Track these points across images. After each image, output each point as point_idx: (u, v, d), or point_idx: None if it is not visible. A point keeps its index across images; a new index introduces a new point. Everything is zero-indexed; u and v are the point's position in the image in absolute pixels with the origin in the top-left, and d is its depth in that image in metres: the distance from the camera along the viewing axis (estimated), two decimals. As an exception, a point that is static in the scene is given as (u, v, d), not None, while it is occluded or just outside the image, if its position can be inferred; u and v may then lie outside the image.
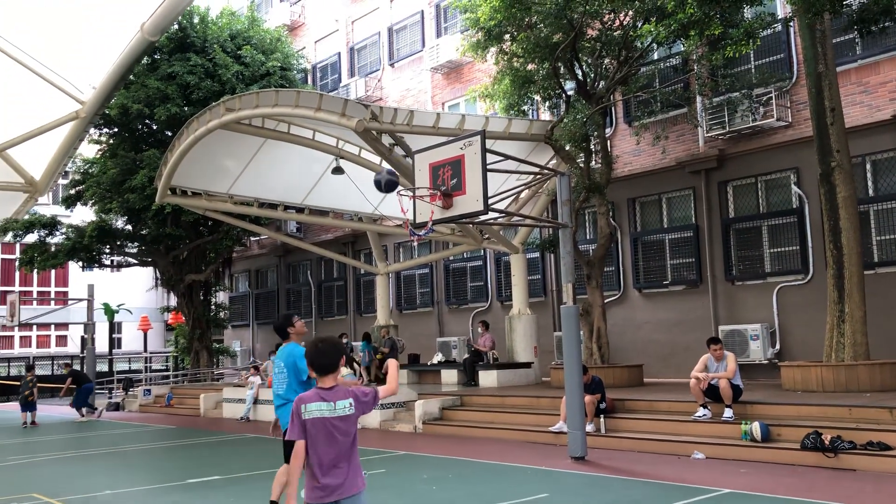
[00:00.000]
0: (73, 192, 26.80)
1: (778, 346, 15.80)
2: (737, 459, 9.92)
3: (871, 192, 14.92)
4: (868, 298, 12.64)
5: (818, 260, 15.17)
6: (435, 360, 20.11)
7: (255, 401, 19.31)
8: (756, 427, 10.14)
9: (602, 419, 12.11)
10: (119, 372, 34.46)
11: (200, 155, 17.55)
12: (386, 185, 6.40)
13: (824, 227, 13.01)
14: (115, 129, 25.62)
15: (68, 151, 20.40)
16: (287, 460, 6.39)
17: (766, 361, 15.60)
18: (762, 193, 16.53)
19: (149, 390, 25.27)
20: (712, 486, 8.28)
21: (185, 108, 23.27)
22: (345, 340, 19.54)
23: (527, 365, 17.79)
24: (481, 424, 13.88)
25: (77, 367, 31.55)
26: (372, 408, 4.30)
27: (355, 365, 19.51)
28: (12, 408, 27.79)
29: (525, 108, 16.43)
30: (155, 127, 25.43)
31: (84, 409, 22.03)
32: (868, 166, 14.96)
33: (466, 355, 18.85)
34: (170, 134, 23.88)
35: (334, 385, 4.24)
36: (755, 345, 15.71)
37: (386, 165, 5.39)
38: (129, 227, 26.69)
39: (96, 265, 27.95)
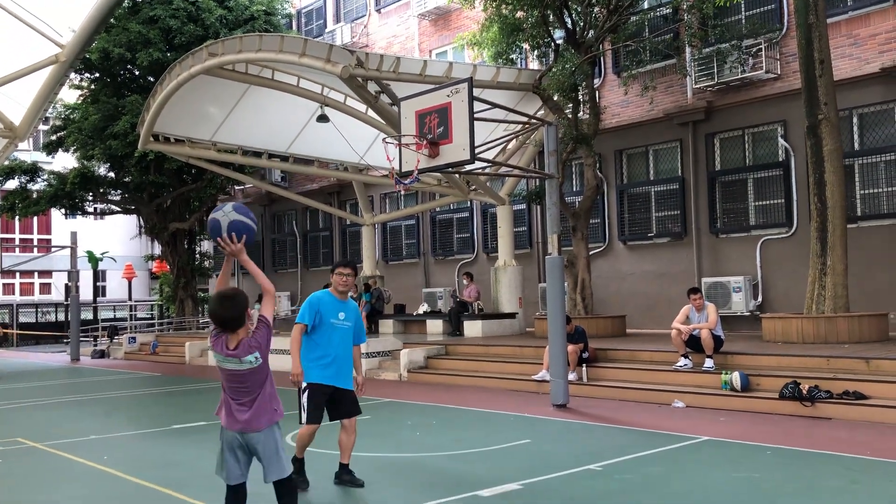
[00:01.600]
0: (54, 138, 26.39)
1: (760, 299, 15.97)
2: (716, 408, 10.08)
3: (856, 145, 14.94)
4: (850, 252, 12.75)
5: (802, 213, 15.25)
6: (420, 311, 20.20)
7: (241, 349, 19.35)
8: (736, 377, 10.29)
9: (584, 368, 12.25)
10: (104, 320, 34.41)
11: (183, 101, 17.30)
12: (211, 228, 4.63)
13: (809, 181, 13.05)
14: (97, 75, 25.15)
15: (48, 96, 20.08)
16: (306, 421, 6.45)
17: (748, 313, 15.77)
18: (749, 146, 16.52)
19: (134, 338, 25.29)
20: (691, 434, 8.43)
21: (168, 54, 22.84)
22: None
23: (511, 315, 17.91)
24: (466, 373, 14.02)
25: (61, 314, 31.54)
26: (270, 335, 4.40)
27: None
28: (-3, 355, 27.84)
29: (513, 56, 16.25)
30: (137, 72, 24.98)
31: None
32: (855, 120, 14.96)
33: (452, 306, 18.95)
34: (152, 79, 23.46)
35: (238, 343, 4.24)
36: (738, 297, 15.87)
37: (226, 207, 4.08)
38: (111, 174, 26.39)
39: (79, 212, 27.69)
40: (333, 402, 6.45)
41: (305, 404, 6.38)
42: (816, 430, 8.53)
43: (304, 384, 6.36)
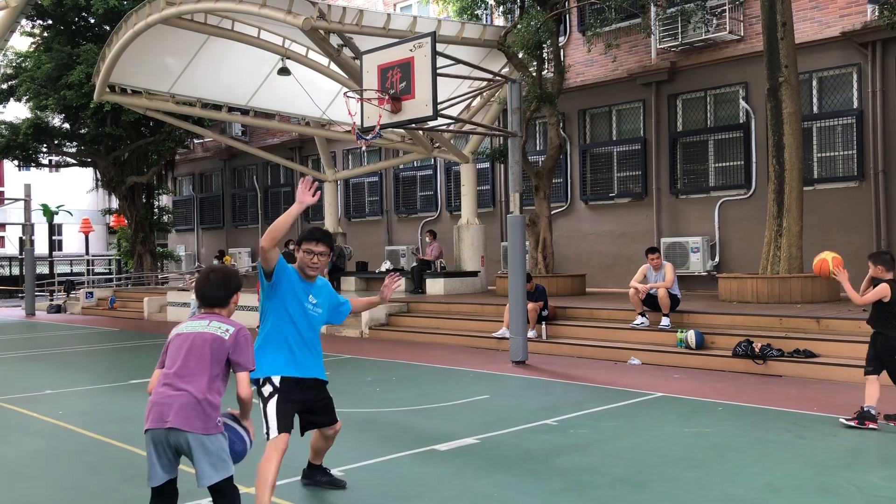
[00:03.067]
0: (5, 86, 25.55)
1: (717, 259, 16.23)
2: (671, 366, 10.29)
3: (815, 108, 15.12)
4: (805, 214, 12.98)
5: (761, 175, 15.46)
6: (383, 268, 20.18)
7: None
8: (691, 335, 10.49)
9: (544, 326, 12.39)
10: (60, 275, 33.86)
11: (140, 51, 16.84)
12: None
13: (768, 143, 13.19)
14: (50, 22, 24.34)
15: (-2, 43, 19.36)
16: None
17: (705, 273, 16.04)
18: (710, 108, 16.63)
19: (91, 293, 24.95)
20: (646, 390, 8.60)
21: (124, 2, 22.16)
22: (291, 248, 19.42)
23: (473, 274, 17.99)
24: (427, 330, 14.09)
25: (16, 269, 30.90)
26: (246, 353, 3.88)
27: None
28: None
29: (479, 12, 16.08)
30: (92, 20, 24.21)
31: None
32: (814, 83, 15.11)
33: (414, 264, 18.97)
34: (108, 28, 22.80)
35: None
36: (695, 257, 16.11)
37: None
38: (66, 125, 25.72)
39: (33, 164, 27.00)
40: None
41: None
42: (767, 387, 8.76)
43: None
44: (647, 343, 11.14)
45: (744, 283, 12.79)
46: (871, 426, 6.55)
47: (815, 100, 15.15)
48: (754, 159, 15.80)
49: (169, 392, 3.63)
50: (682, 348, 10.51)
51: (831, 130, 14.98)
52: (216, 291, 3.92)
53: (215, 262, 21.99)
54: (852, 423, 6.64)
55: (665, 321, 11.19)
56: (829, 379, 9.01)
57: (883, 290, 6.49)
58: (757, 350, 9.70)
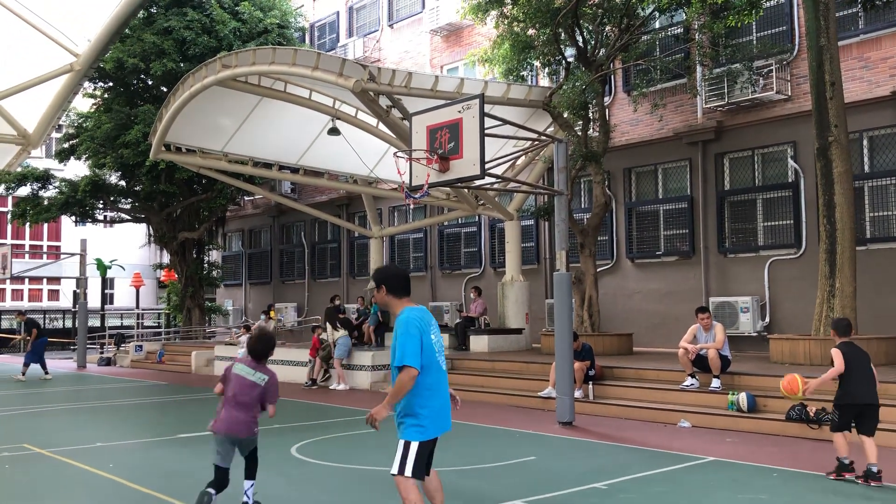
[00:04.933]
0: (66, 145, 26.59)
1: (767, 319, 15.91)
2: (723, 429, 10.04)
3: (866, 167, 14.93)
4: (858, 274, 12.70)
5: (811, 234, 15.22)
6: (426, 324, 20.17)
7: (247, 359, 19.39)
8: (743, 397, 10.26)
9: (591, 386, 12.22)
10: (111, 327, 34.52)
11: (195, 111, 17.41)
12: None
13: (819, 202, 13.03)
14: (110, 84, 25.36)
15: (62, 104, 20.19)
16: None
17: (755, 334, 15.72)
18: (758, 166, 16.52)
19: (140, 346, 25.36)
20: (697, 454, 8.40)
21: (182, 64, 23.03)
22: (337, 303, 19.59)
23: (518, 331, 17.89)
24: (471, 388, 13.99)
25: (69, 321, 31.58)
26: (274, 394, 6.21)
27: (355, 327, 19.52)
28: (4, 360, 27.90)
29: (524, 73, 16.31)
30: (150, 82, 25.18)
31: (28, 369, 19.25)
32: (865, 142, 14.95)
33: (458, 320, 18.95)
34: (165, 90, 23.65)
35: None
36: (745, 317, 15.82)
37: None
38: (122, 182, 26.55)
39: (89, 220, 27.84)
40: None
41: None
42: (823, 452, 8.48)
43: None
44: (697, 405, 10.91)
45: (796, 345, 12.50)
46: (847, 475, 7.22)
47: (865, 159, 14.97)
48: (804, 218, 15.59)
49: (234, 413, 6.05)
50: (734, 411, 10.27)
51: (883, 190, 14.75)
52: (260, 350, 6.32)
53: (262, 316, 22.24)
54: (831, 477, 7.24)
55: (716, 382, 10.97)
56: (889, 446, 8.70)
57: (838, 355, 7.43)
58: (811, 414, 9.43)
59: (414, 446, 4.65)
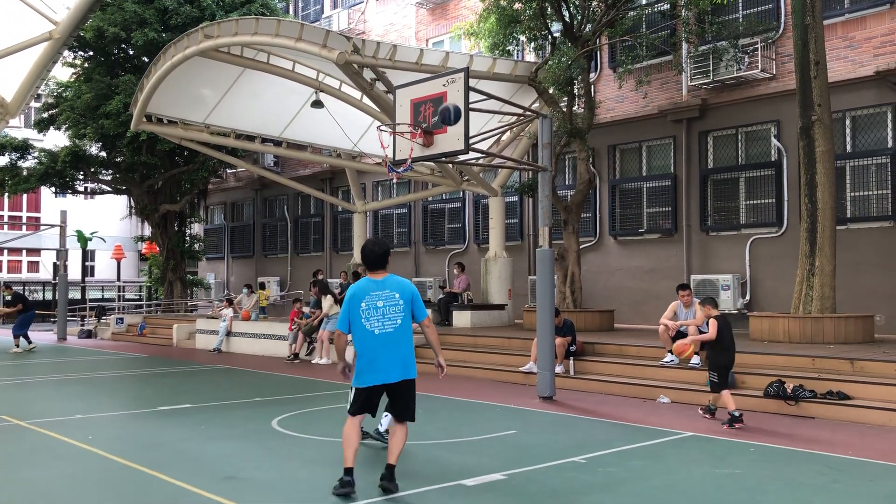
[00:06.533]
0: (45, 115, 26.21)
1: (748, 297, 16.04)
2: (701, 404, 10.12)
3: (848, 147, 15.00)
4: (838, 253, 12.81)
5: (793, 213, 15.32)
6: (409, 299, 20.18)
7: (228, 333, 19.36)
8: (721, 374, 10.34)
9: (571, 361, 12.29)
10: (91, 300, 34.30)
11: (177, 82, 17.19)
12: (447, 114, 6.14)
13: (801, 181, 13.09)
14: (91, 53, 24.96)
15: (41, 73, 19.94)
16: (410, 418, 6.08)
17: (735, 311, 15.84)
18: (742, 145, 16.57)
19: (121, 319, 25.23)
20: (675, 430, 8.48)
21: (163, 34, 22.67)
22: (320, 277, 19.54)
23: (500, 307, 17.94)
24: (453, 363, 14.01)
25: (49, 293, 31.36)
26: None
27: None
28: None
29: (510, 48, 16.19)
30: (131, 52, 24.79)
31: (20, 340, 19.57)
32: (847, 122, 15.01)
33: (441, 296, 18.96)
34: (146, 60, 23.31)
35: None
36: (726, 295, 15.93)
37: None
38: (103, 153, 26.23)
39: (69, 191, 27.55)
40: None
41: None
42: (799, 428, 8.60)
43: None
44: (676, 381, 11.00)
45: (775, 323, 12.62)
46: (738, 426, 8.41)
47: (848, 139, 15.04)
48: (786, 197, 15.67)
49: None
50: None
51: (865, 170, 14.84)
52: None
53: (245, 290, 22.13)
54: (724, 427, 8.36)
55: (695, 359, 11.06)
56: (863, 422, 8.83)
57: (715, 325, 8.82)
58: (789, 391, 9.53)
59: (352, 391, 5.98)
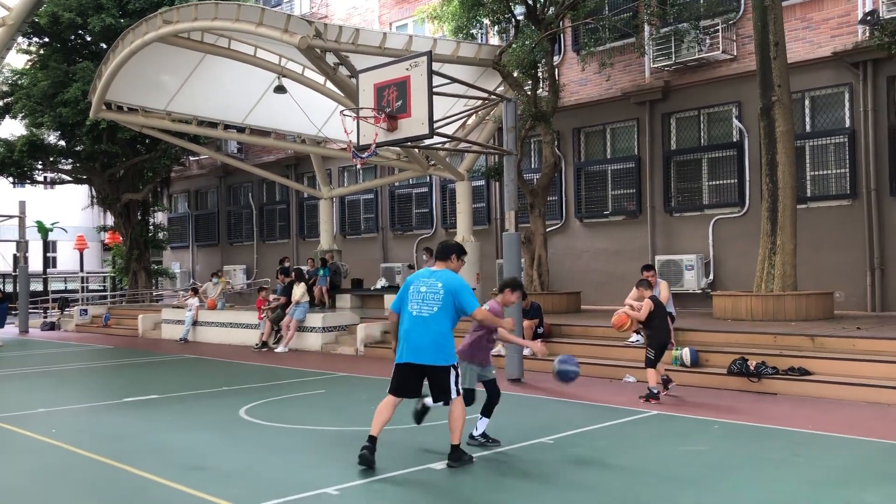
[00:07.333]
0: (1, 104, 25.60)
1: (711, 277, 16.26)
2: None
3: (808, 127, 15.23)
4: (799, 232, 13.04)
5: (754, 193, 15.53)
6: (378, 286, 20.18)
7: (195, 322, 19.18)
8: (686, 353, 10.50)
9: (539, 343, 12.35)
10: (54, 291, 33.74)
11: (136, 69, 16.89)
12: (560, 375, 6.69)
13: (762, 161, 13.27)
14: (46, 39, 24.43)
15: (-6, 60, 19.39)
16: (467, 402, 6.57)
17: (699, 291, 16.07)
18: (704, 126, 16.74)
19: (85, 310, 24.86)
20: (641, 408, 8.61)
21: (121, 20, 22.25)
22: (286, 264, 19.41)
23: (468, 291, 17.93)
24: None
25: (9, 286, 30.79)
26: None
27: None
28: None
29: (474, 31, 16.16)
30: (89, 38, 24.31)
31: None
32: (807, 102, 15.23)
33: (409, 280, 18.92)
34: (104, 46, 22.86)
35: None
36: (689, 275, 16.14)
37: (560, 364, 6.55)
38: (62, 142, 25.74)
39: (28, 181, 27.02)
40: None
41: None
42: (762, 405, 8.76)
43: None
44: (642, 361, 11.05)
45: (738, 301, 12.82)
46: (654, 402, 8.82)
47: (807, 119, 15.26)
48: (748, 177, 15.88)
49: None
50: (678, 366, 10.51)
51: (824, 149, 15.08)
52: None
53: (214, 279, 21.91)
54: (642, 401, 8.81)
55: (635, 337, 11.31)
56: (823, 397, 9.02)
57: (648, 304, 9.07)
58: (752, 368, 9.71)
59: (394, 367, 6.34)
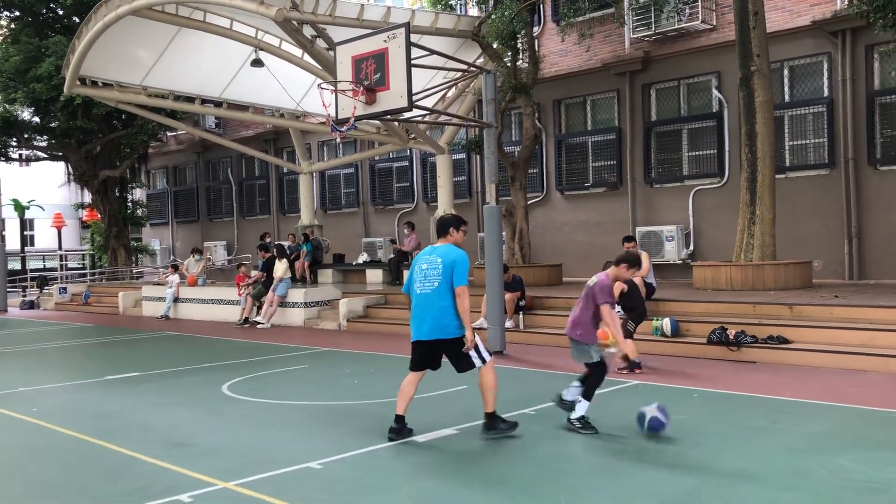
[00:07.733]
0: (-29, 79, 25.12)
1: (692, 247, 16.37)
2: (647, 353, 10.34)
3: (787, 97, 15.27)
4: (778, 202, 13.12)
5: (734, 164, 15.60)
6: (360, 260, 20.14)
7: (176, 299, 19.09)
8: (666, 323, 10.58)
9: (521, 316, 12.43)
10: (32, 270, 33.41)
11: (111, 43, 16.59)
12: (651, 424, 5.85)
13: (741, 132, 13.31)
14: (17, 13, 23.94)
15: (-36, 35, 18.96)
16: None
17: (680, 261, 16.17)
18: (684, 97, 16.74)
19: (65, 288, 24.67)
20: (622, 378, 8.67)
21: (93, -8, 21.84)
22: (267, 240, 19.31)
23: (450, 264, 17.93)
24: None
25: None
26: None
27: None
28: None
29: (453, 2, 16.02)
30: (61, 12, 23.86)
31: None
32: (786, 72, 15.26)
33: (392, 255, 18.93)
34: (77, 20, 22.44)
35: None
36: (670, 245, 16.24)
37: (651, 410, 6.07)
38: (36, 118, 25.34)
39: (2, 159, 26.60)
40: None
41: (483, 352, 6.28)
42: (742, 373, 8.87)
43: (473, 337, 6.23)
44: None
45: (718, 271, 12.92)
46: (638, 371, 8.98)
47: (786, 88, 15.30)
48: (727, 148, 15.93)
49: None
50: (658, 336, 10.60)
51: (802, 119, 15.14)
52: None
53: (196, 256, 21.75)
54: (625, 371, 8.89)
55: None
56: (801, 364, 9.14)
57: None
58: (731, 337, 9.80)
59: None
